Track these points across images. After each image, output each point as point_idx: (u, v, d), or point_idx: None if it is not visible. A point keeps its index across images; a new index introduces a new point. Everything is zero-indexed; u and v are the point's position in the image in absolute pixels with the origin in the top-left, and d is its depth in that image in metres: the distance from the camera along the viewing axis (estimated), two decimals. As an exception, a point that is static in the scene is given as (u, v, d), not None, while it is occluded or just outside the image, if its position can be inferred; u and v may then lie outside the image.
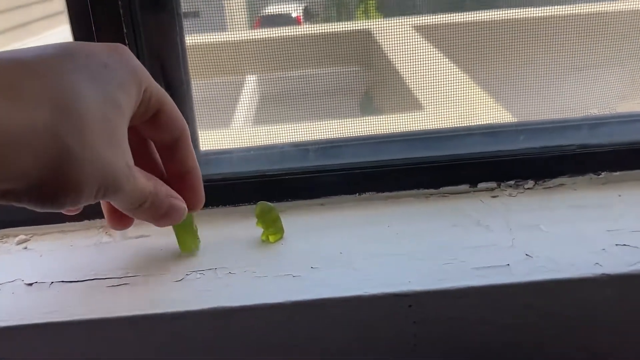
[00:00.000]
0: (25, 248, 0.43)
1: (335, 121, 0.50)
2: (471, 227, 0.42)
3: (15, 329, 0.35)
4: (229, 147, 0.48)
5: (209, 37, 0.46)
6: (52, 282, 0.39)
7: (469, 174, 0.46)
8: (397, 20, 0.49)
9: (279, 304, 0.35)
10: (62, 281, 0.39)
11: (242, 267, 0.39)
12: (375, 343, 0.37)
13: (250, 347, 0.37)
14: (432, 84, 0.52)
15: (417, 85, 0.55)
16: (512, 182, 0.46)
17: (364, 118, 0.54)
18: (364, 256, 0.39)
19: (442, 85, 0.52)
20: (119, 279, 0.39)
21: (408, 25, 0.49)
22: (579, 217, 0.42)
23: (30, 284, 0.39)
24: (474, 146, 0.46)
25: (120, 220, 0.36)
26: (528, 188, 0.46)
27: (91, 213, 0.45)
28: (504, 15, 0.49)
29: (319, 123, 0.49)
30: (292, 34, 0.53)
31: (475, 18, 0.53)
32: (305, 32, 0.51)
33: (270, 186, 0.46)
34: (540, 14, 0.48)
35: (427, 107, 0.54)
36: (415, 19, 0.47)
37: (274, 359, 0.37)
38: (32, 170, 0.24)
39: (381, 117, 0.56)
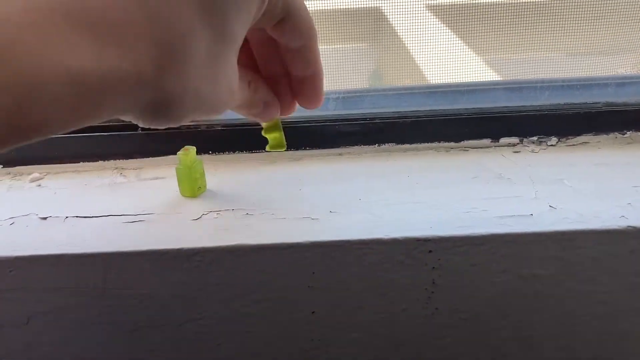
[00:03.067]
0: (39, 185, 0.43)
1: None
2: (493, 179, 0.41)
3: (31, 259, 0.35)
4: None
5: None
6: (66, 217, 0.38)
7: (492, 129, 0.45)
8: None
9: (297, 243, 0.35)
10: (77, 216, 0.38)
11: (260, 209, 0.38)
12: (393, 288, 0.36)
13: (267, 286, 0.36)
14: (443, 64, 0.51)
15: (427, 65, 0.54)
16: (534, 138, 0.45)
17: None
18: (383, 203, 0.39)
19: (453, 67, 0.51)
20: (134, 216, 0.38)
21: (421, 4, 0.48)
22: (603, 173, 0.41)
23: (45, 218, 0.38)
24: (497, 100, 0.45)
25: None
26: (551, 145, 0.45)
27: (105, 154, 0.44)
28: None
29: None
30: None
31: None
32: (315, 8, 0.50)
33: (289, 134, 0.45)
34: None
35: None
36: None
37: (291, 298, 0.37)
38: (130, 112, 0.23)
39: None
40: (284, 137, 0.38)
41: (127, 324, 0.37)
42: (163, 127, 0.26)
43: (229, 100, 0.27)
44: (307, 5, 0.30)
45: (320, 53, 0.41)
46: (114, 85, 0.21)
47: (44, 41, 0.19)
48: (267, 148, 0.38)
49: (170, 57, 0.22)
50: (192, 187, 0.40)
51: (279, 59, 0.33)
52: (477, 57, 0.54)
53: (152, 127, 0.25)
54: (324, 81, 0.34)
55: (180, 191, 0.40)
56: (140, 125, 0.25)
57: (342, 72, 0.50)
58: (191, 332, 0.38)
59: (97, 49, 0.20)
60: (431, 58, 0.52)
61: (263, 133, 0.37)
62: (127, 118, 0.24)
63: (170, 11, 0.22)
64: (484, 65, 0.55)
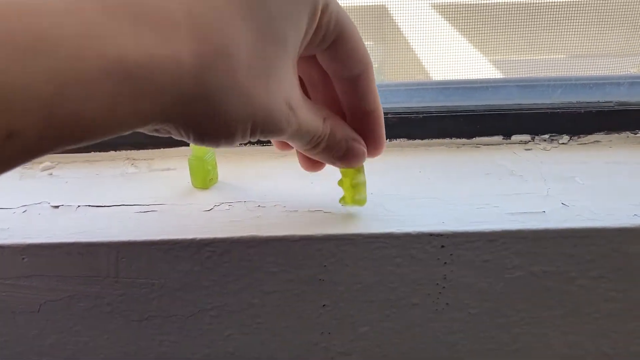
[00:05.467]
0: (51, 174, 0.43)
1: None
2: (505, 176, 0.41)
3: (43, 246, 0.35)
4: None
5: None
6: (78, 206, 0.38)
7: (503, 125, 0.45)
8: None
9: (309, 236, 0.35)
10: (89, 205, 0.38)
11: (271, 201, 0.38)
12: (404, 282, 0.36)
13: (278, 278, 0.36)
14: (448, 63, 0.51)
15: (431, 64, 0.54)
16: (546, 136, 0.45)
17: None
18: (395, 198, 0.39)
19: (459, 67, 0.51)
20: (146, 206, 0.38)
21: (426, 3, 0.48)
22: (615, 172, 0.41)
23: (57, 207, 0.38)
24: (509, 97, 0.45)
25: (311, 164, 0.35)
26: (562, 143, 0.45)
27: (117, 144, 0.45)
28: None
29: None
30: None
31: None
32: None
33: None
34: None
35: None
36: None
37: (302, 291, 0.37)
38: (173, 118, 0.22)
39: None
40: (365, 192, 0.36)
41: (138, 313, 0.37)
42: (216, 146, 0.25)
43: (288, 114, 0.25)
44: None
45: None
46: (152, 73, 0.20)
47: (82, 29, 0.19)
48: (344, 203, 0.36)
49: (210, 48, 0.21)
50: (204, 179, 0.40)
51: (332, 100, 0.31)
52: (482, 57, 0.54)
53: (204, 141, 0.24)
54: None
55: (192, 182, 0.40)
56: (191, 141, 0.24)
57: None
58: (201, 323, 0.38)
59: (134, 36, 0.20)
60: (435, 57, 0.52)
61: (339, 183, 0.36)
62: (174, 131, 0.23)
63: (207, 3, 0.22)
64: (489, 65, 0.55)
